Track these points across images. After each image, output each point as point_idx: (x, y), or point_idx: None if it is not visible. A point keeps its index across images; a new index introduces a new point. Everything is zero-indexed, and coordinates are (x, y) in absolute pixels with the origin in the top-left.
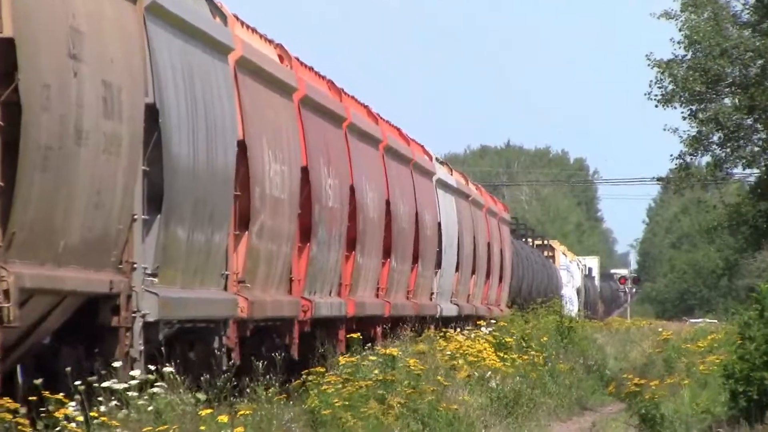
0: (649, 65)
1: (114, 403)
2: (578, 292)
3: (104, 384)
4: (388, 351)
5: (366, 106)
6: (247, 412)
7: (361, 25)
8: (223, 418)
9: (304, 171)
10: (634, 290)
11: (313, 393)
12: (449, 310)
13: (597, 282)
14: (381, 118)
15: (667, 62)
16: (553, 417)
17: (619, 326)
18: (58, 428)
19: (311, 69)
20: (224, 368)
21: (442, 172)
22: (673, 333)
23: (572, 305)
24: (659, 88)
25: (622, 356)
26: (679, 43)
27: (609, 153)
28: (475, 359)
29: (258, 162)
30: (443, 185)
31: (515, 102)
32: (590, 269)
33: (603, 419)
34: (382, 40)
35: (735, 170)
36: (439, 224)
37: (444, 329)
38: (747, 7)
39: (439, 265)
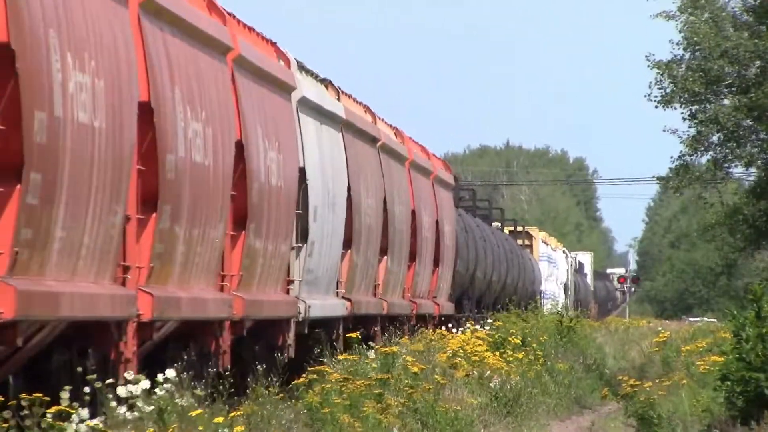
0: (648, 66)
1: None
2: (565, 288)
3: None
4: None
5: None
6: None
7: (361, 25)
8: (219, 419)
9: None
10: (633, 290)
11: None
12: (327, 308)
13: (590, 280)
14: None
15: (666, 63)
16: (552, 416)
17: (617, 325)
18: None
19: None
20: None
21: (312, 91)
22: (671, 333)
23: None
24: (659, 89)
25: (620, 355)
26: (678, 44)
27: (608, 153)
28: (476, 358)
29: None
30: (315, 111)
31: (514, 102)
32: (582, 264)
33: (602, 418)
34: (382, 41)
35: (735, 170)
36: (302, 171)
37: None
38: (745, 9)
39: (304, 237)
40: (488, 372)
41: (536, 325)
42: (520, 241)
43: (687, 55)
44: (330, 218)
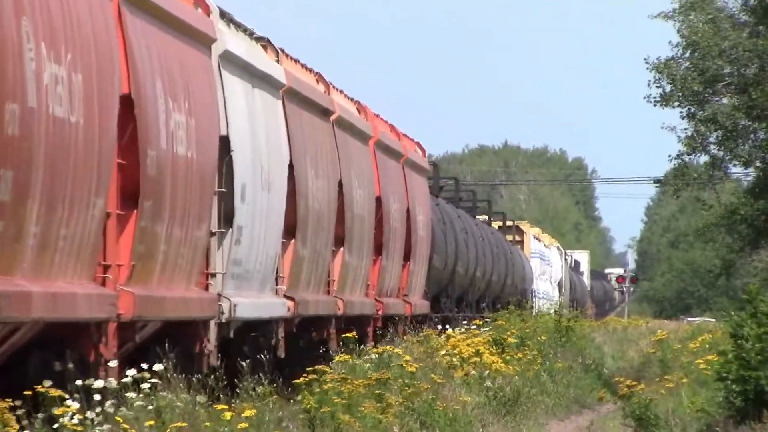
0: (647, 68)
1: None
2: (559, 286)
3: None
4: (384, 350)
5: None
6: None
7: (362, 26)
8: (227, 416)
9: None
10: (631, 289)
11: (310, 392)
12: (261, 307)
13: (587, 279)
14: None
15: (665, 62)
16: (550, 416)
17: (616, 325)
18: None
19: None
20: None
21: (239, 46)
22: (669, 333)
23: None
24: (657, 87)
25: (619, 355)
26: (677, 45)
27: (607, 152)
28: (475, 358)
29: None
30: (244, 71)
31: (513, 102)
32: (578, 263)
33: (601, 418)
34: (382, 41)
35: (733, 170)
36: (226, 140)
37: None
38: (744, 9)
39: (228, 221)
40: (487, 372)
41: (534, 325)
42: (510, 237)
43: (686, 54)
44: (264, 199)
